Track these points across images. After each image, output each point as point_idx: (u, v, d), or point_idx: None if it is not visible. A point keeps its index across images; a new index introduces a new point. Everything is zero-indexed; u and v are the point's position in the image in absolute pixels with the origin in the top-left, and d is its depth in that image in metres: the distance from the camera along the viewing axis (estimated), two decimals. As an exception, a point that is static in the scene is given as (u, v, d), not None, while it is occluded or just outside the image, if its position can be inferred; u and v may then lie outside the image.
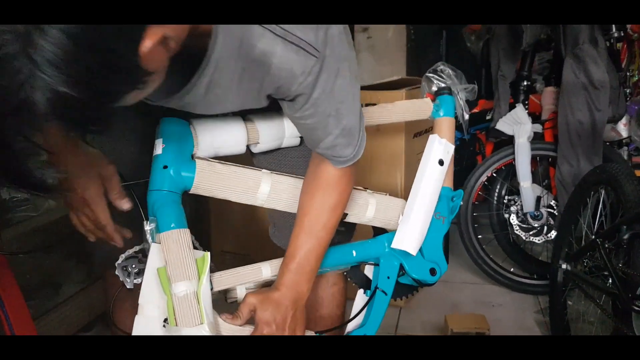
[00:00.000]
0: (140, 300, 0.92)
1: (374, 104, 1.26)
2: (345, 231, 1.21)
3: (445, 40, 3.28)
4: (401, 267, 1.19)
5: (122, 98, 0.65)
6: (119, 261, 0.98)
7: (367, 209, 1.17)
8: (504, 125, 2.38)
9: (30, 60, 0.53)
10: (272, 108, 0.97)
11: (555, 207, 2.32)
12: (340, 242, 1.17)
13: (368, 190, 1.19)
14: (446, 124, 1.27)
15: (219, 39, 0.78)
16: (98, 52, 0.57)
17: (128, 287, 0.98)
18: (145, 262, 0.94)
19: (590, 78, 2.12)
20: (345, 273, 1.25)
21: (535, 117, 2.43)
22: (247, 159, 1.12)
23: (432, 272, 1.21)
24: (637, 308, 1.44)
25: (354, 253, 1.18)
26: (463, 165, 2.65)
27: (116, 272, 0.98)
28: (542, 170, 2.44)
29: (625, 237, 1.55)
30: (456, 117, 1.29)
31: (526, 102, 2.49)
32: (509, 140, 2.37)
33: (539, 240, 2.35)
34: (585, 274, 1.79)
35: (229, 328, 0.95)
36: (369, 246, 1.20)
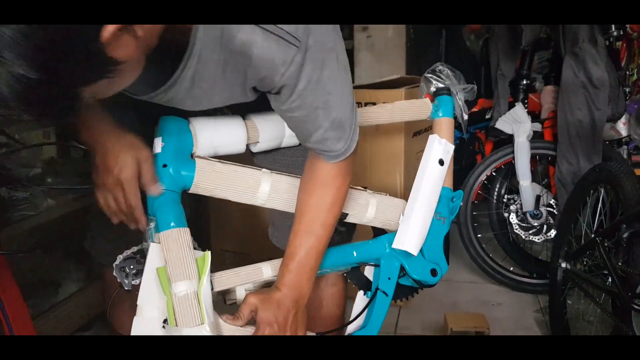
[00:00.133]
0: (139, 302, 0.91)
1: (374, 103, 1.26)
2: (345, 232, 1.21)
3: (445, 40, 3.28)
4: (402, 268, 1.19)
5: (89, 85, 0.64)
6: (117, 262, 0.97)
7: (368, 209, 1.17)
8: (503, 124, 2.38)
9: None
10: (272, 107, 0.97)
11: (554, 206, 2.32)
12: (340, 243, 1.17)
13: (368, 191, 1.19)
14: (445, 124, 1.27)
15: (199, 31, 0.78)
16: (56, 34, 0.57)
17: (126, 288, 0.97)
18: (143, 263, 0.93)
19: (589, 77, 2.12)
20: (345, 274, 1.25)
21: (534, 116, 2.43)
22: (245, 159, 1.12)
23: (433, 272, 1.20)
24: (636, 307, 1.44)
25: (355, 254, 1.17)
26: (462, 164, 2.65)
27: (114, 274, 0.97)
28: (541, 169, 2.45)
29: (625, 235, 1.55)
30: (455, 118, 1.29)
31: (526, 100, 2.49)
32: (509, 139, 2.37)
33: (538, 239, 2.35)
34: (585, 272, 1.79)
35: (230, 329, 0.94)
36: (369, 247, 1.20)
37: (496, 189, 2.47)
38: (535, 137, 2.36)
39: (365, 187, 1.20)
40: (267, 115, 1.06)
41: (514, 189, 2.40)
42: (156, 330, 0.90)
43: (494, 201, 2.47)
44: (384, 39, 3.18)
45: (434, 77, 1.29)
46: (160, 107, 0.94)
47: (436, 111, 1.27)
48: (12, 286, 1.20)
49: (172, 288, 0.87)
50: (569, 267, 1.88)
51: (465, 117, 1.30)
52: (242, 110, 1.07)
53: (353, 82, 1.08)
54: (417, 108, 1.28)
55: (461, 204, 1.28)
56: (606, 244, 1.61)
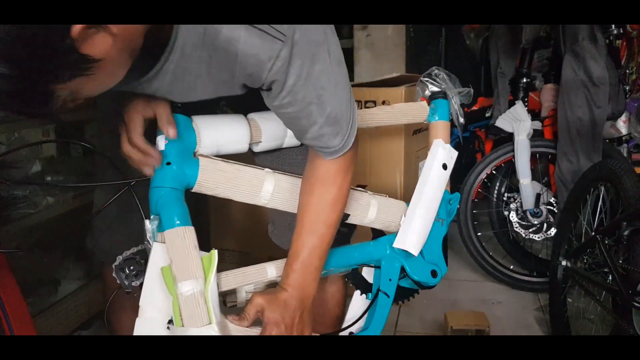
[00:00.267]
0: (141, 302, 0.89)
1: (374, 101, 1.26)
2: (347, 232, 1.20)
3: (445, 38, 3.28)
4: (402, 270, 1.19)
5: (64, 82, 0.64)
6: (117, 263, 0.94)
7: (369, 210, 1.17)
8: (503, 122, 2.38)
9: None
10: None
11: (554, 204, 2.32)
12: (341, 243, 1.17)
13: (369, 192, 1.19)
14: (441, 127, 1.27)
15: (181, 27, 0.77)
16: (24, 30, 0.57)
17: (126, 290, 0.94)
18: (143, 264, 0.92)
19: (589, 75, 2.12)
20: (345, 276, 1.25)
21: (534, 114, 2.43)
22: (245, 159, 1.11)
23: (433, 274, 1.21)
24: (637, 304, 1.44)
25: (356, 255, 1.18)
26: (462, 162, 2.65)
27: (113, 275, 0.94)
28: (541, 167, 2.45)
29: (625, 233, 1.55)
30: (451, 121, 1.30)
31: (525, 99, 2.49)
32: (509, 138, 2.37)
33: (538, 237, 2.35)
34: (585, 270, 1.79)
35: (236, 329, 0.93)
36: (370, 248, 1.20)
37: (496, 188, 2.47)
38: (535, 136, 2.36)
39: (364, 187, 1.20)
40: (270, 115, 1.06)
41: (514, 188, 2.41)
42: (160, 331, 0.89)
43: (494, 199, 2.47)
44: (384, 38, 3.17)
45: (430, 80, 1.29)
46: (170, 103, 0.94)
47: (433, 114, 1.28)
48: (12, 284, 1.19)
49: (178, 287, 0.86)
50: (569, 265, 1.88)
51: (462, 120, 1.30)
52: (243, 110, 1.06)
53: (352, 80, 1.07)
54: (415, 111, 1.29)
55: (461, 202, 1.29)
56: (606, 242, 1.61)
